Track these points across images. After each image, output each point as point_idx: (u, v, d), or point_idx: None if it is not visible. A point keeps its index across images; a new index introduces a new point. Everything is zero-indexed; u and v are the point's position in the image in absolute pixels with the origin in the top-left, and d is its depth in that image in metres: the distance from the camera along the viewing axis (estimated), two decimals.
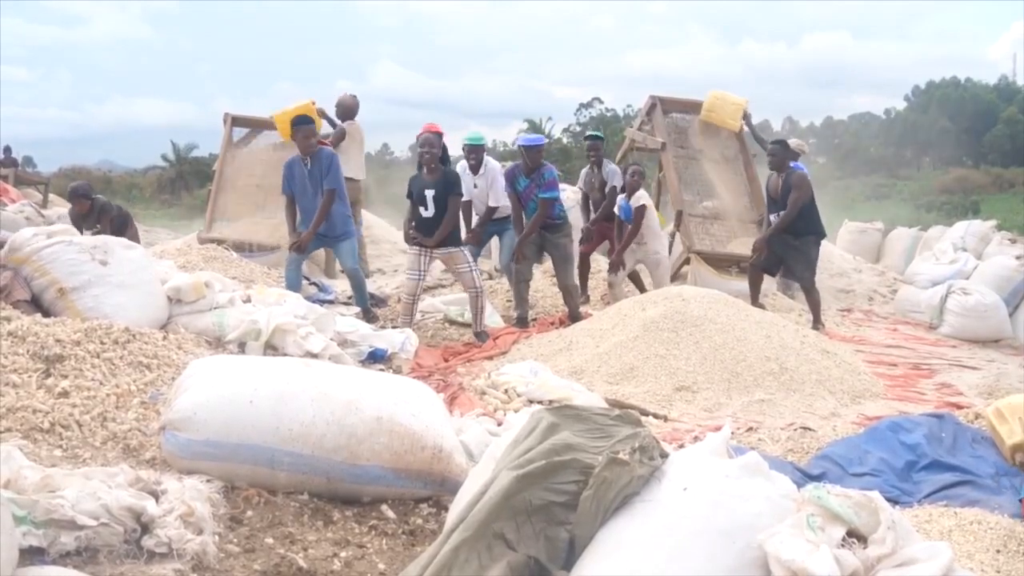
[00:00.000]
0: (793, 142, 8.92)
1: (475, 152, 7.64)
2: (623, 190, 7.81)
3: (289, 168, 6.83)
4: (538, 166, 6.97)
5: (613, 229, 8.06)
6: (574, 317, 7.07)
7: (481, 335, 6.46)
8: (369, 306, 6.93)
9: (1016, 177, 33.28)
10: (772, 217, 7.51)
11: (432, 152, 6.36)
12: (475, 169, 7.64)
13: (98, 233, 7.63)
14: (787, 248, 7.46)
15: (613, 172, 8.27)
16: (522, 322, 7.01)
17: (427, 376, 5.17)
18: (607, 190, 8.13)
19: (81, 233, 7.65)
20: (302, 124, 6.70)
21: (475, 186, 7.61)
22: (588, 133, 8.81)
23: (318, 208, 6.63)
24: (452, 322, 6.93)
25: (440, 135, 6.51)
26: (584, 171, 8.52)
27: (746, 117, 9.33)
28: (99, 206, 8.08)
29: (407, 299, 6.51)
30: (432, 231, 6.35)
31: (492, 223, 7.72)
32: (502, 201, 7.47)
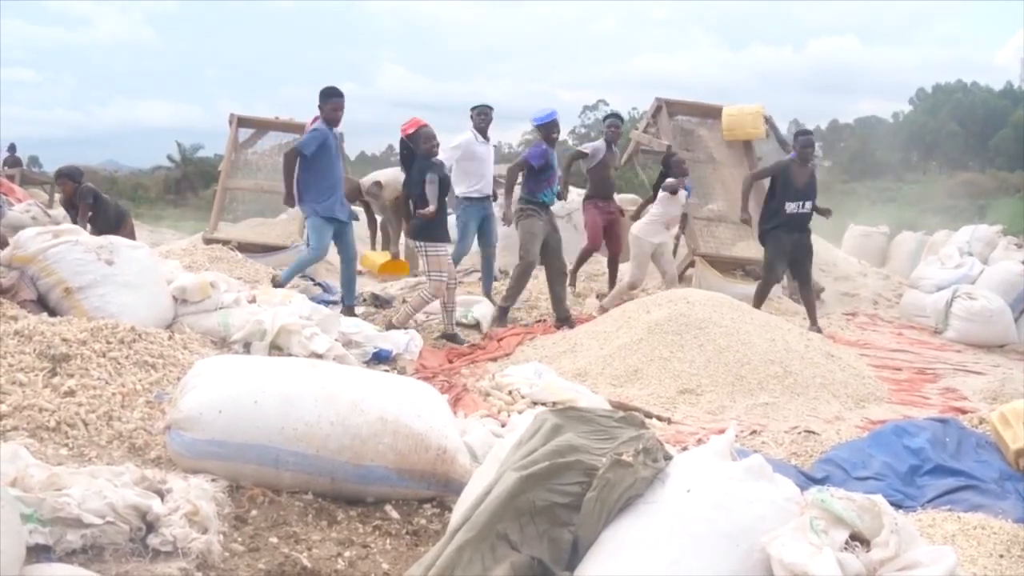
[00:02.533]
0: None
1: (487, 114, 7.71)
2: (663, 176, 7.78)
3: (325, 135, 6.64)
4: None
5: (614, 215, 8.11)
6: (563, 311, 7.07)
7: (455, 337, 6.46)
8: (354, 305, 6.90)
9: (1022, 181, 33.11)
10: (793, 206, 7.31)
11: (437, 143, 6.44)
12: (485, 132, 7.69)
13: (74, 220, 7.41)
14: (802, 246, 7.43)
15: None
16: (504, 314, 7.03)
17: (431, 377, 5.17)
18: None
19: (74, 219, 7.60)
20: (336, 96, 6.69)
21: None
22: (610, 112, 8.85)
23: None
24: (457, 323, 6.93)
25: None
26: (597, 145, 8.35)
27: (768, 121, 9.33)
28: (79, 192, 7.78)
29: (431, 298, 6.41)
30: (436, 219, 6.32)
31: (475, 204, 7.59)
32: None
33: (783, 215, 7.31)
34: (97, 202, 7.85)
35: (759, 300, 7.36)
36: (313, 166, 6.60)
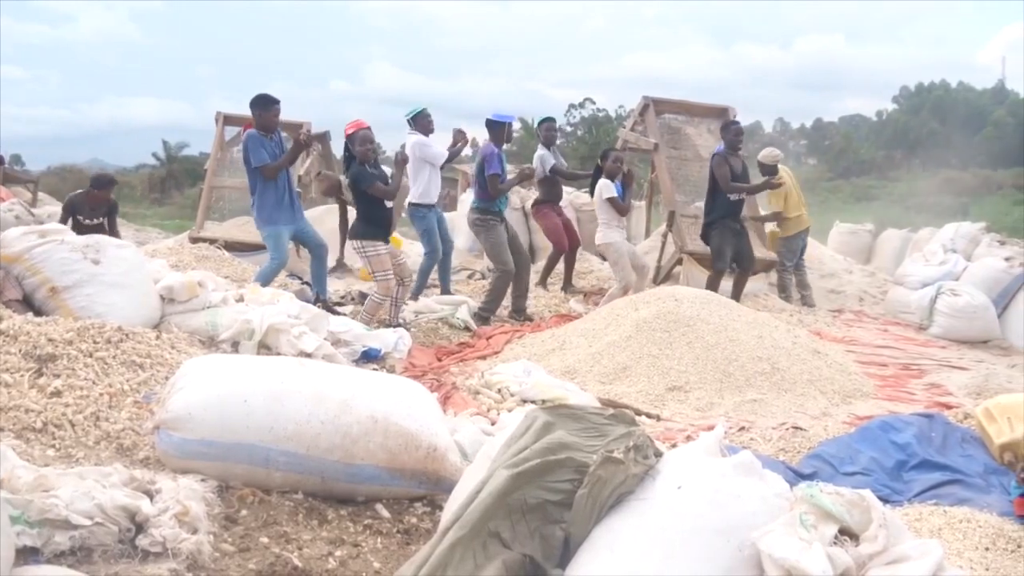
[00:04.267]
0: (767, 153, 9.00)
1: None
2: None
3: (258, 141, 6.59)
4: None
5: (564, 216, 8.26)
6: (521, 304, 7.29)
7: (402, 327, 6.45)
8: (327, 298, 6.87)
9: (1005, 179, 33.44)
10: (733, 195, 7.62)
11: (374, 147, 6.42)
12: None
13: (99, 225, 7.75)
14: (742, 233, 7.71)
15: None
16: (485, 322, 7.05)
17: (421, 376, 5.17)
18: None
19: (75, 217, 7.69)
20: (275, 103, 6.68)
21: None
22: (544, 116, 8.81)
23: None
24: (444, 323, 6.91)
25: (371, 129, 6.53)
26: (545, 153, 8.43)
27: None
28: (113, 203, 8.17)
29: (385, 300, 6.37)
30: (390, 220, 6.48)
31: (433, 209, 7.64)
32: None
33: (727, 204, 7.61)
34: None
35: (714, 289, 7.33)
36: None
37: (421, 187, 7.55)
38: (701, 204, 9.20)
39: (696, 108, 9.89)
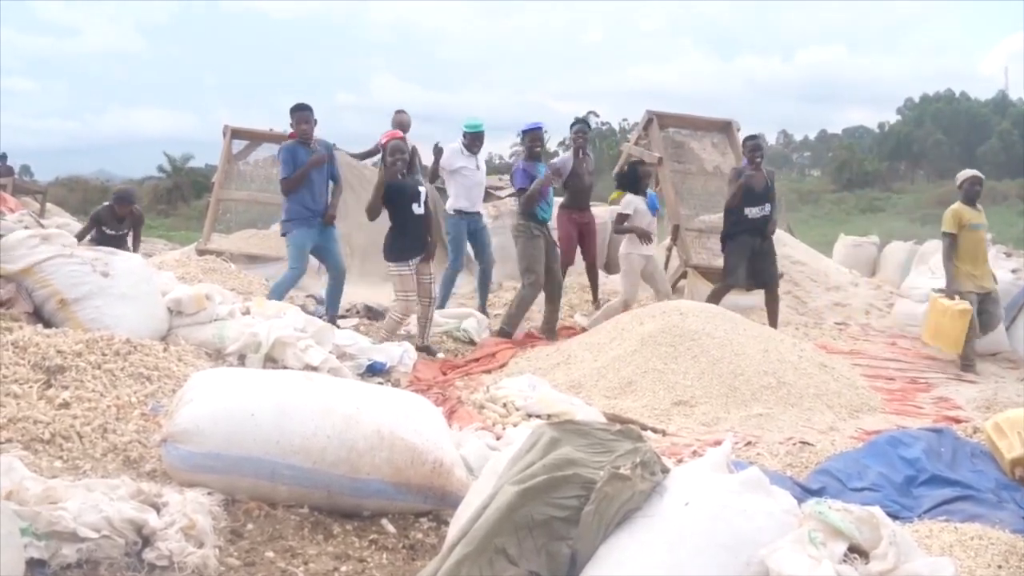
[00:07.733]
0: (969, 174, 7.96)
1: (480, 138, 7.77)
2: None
3: (293, 152, 6.60)
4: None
5: (588, 224, 8.07)
6: (551, 329, 7.00)
7: (428, 349, 6.34)
8: (336, 316, 6.80)
9: (1009, 190, 33.36)
10: (754, 211, 7.40)
11: (405, 158, 6.32)
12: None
13: (123, 236, 8.14)
14: (763, 251, 7.47)
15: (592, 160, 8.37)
16: (508, 338, 6.89)
17: (426, 390, 5.16)
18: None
19: (100, 229, 8.02)
20: (303, 110, 6.68)
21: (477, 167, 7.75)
22: (576, 119, 8.76)
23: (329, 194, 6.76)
24: (449, 336, 6.90)
25: (405, 140, 6.52)
26: (564, 158, 8.26)
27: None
28: (137, 215, 8.46)
29: (402, 320, 6.29)
30: (425, 228, 6.32)
31: (468, 217, 7.66)
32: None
33: (745, 221, 7.41)
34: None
35: (715, 300, 7.26)
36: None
37: (450, 196, 7.71)
38: (706, 218, 9.21)
39: (700, 122, 9.90)
